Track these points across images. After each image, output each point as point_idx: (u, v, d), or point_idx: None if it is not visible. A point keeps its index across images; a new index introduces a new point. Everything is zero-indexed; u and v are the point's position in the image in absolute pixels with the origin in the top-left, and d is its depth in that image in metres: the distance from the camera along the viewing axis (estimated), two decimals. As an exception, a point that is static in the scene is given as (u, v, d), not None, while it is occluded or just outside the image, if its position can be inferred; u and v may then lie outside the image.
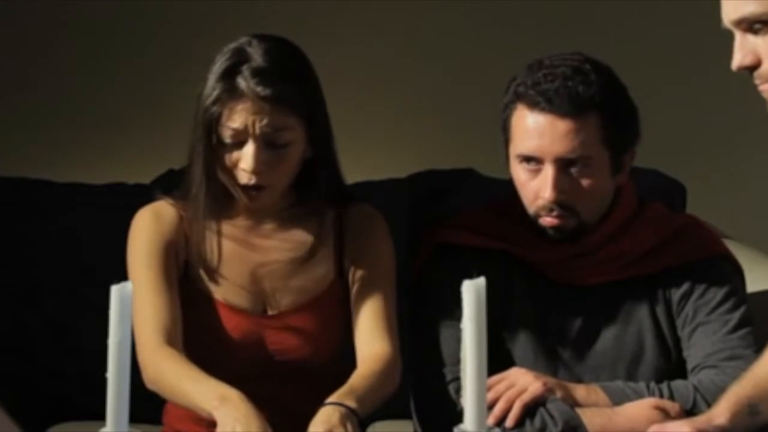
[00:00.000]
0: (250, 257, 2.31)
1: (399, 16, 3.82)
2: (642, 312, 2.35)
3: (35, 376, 2.74)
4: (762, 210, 3.81)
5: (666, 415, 2.18)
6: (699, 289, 2.34)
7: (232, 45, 2.24)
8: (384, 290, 2.30)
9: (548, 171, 2.25)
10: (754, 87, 1.89)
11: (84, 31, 3.79)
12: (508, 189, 2.34)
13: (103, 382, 1.54)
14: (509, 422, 2.17)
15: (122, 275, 2.22)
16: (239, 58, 2.21)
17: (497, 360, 2.15)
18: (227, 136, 2.20)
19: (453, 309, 1.96)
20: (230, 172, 2.23)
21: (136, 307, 2.12)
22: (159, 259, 2.27)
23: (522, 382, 2.20)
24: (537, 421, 2.17)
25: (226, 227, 2.31)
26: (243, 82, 2.18)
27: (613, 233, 2.34)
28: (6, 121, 3.71)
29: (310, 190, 2.30)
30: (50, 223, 2.78)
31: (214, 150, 2.22)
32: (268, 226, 2.32)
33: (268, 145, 2.20)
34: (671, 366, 2.34)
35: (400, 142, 3.79)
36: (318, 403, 2.10)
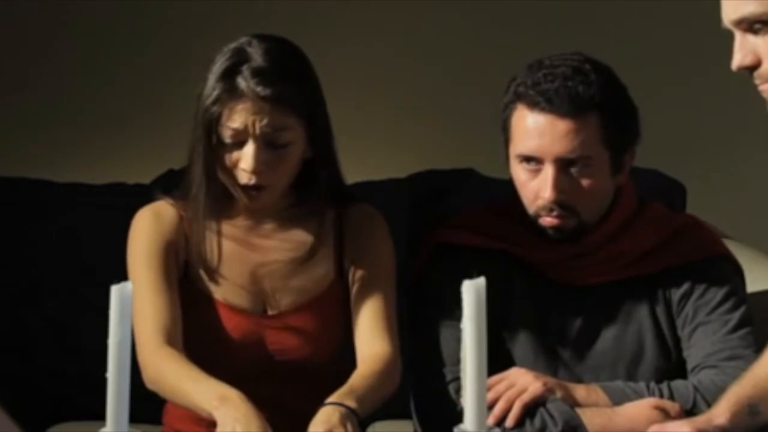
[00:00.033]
0: (250, 257, 2.31)
1: (399, 16, 3.82)
2: (642, 312, 2.35)
3: (35, 376, 2.74)
4: (762, 210, 3.81)
5: (666, 415, 2.18)
6: (699, 289, 2.34)
7: (232, 45, 2.24)
8: (384, 290, 2.30)
9: (548, 171, 2.25)
10: (754, 87, 1.89)
11: (84, 31, 3.79)
12: (508, 189, 2.34)
13: (103, 382, 1.54)
14: (509, 422, 2.17)
15: (122, 275, 2.22)
16: (239, 58, 2.21)
17: (497, 360, 2.15)
18: (227, 136, 2.20)
19: (453, 309, 1.96)
20: (230, 172, 2.23)
21: (136, 307, 2.12)
22: (159, 259, 2.27)
23: (522, 382, 2.20)
24: (537, 421, 2.17)
25: (226, 227, 2.31)
26: (243, 82, 2.18)
27: (613, 233, 2.34)
28: (6, 121, 3.71)
29: (310, 190, 2.30)
30: (50, 223, 2.78)
31: (214, 150, 2.22)
32: (268, 226, 2.32)
33: (268, 145, 2.20)
34: (671, 366, 2.34)
35: (400, 142, 3.79)
36: (318, 403, 2.10)
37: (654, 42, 3.81)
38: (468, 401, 1.57)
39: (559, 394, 2.21)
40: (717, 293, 2.33)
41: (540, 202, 2.28)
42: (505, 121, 2.31)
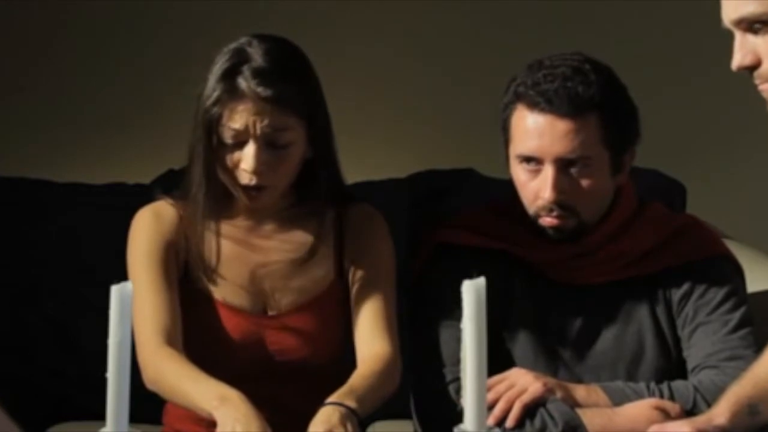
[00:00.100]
0: (250, 257, 2.31)
1: (399, 16, 3.82)
2: (642, 312, 2.35)
3: (35, 376, 2.74)
4: (762, 210, 3.80)
5: (666, 416, 2.18)
6: (699, 289, 2.34)
7: (232, 45, 2.24)
8: (384, 290, 2.30)
9: (548, 171, 2.25)
10: (754, 87, 1.89)
11: (84, 31, 3.79)
12: (508, 189, 2.34)
13: (103, 382, 1.54)
14: (509, 423, 2.17)
15: (122, 275, 2.22)
16: (239, 59, 2.20)
17: (497, 360, 2.15)
18: (228, 136, 2.20)
19: (453, 309, 1.96)
20: (231, 172, 2.23)
21: (136, 307, 2.12)
22: (159, 259, 2.27)
23: (522, 382, 2.20)
24: (537, 421, 2.17)
25: (226, 227, 2.31)
26: (244, 83, 2.18)
27: (613, 233, 2.34)
28: (6, 121, 3.71)
29: (310, 190, 2.30)
30: (50, 223, 2.78)
31: (215, 150, 2.22)
32: (268, 227, 2.32)
33: (269, 145, 2.20)
34: (671, 366, 2.34)
35: (400, 142, 3.79)
36: (318, 403, 2.10)
37: (654, 42, 3.81)
38: (468, 401, 1.57)
39: (559, 394, 2.21)
40: (717, 293, 2.33)
41: (540, 203, 2.28)
42: (505, 122, 2.31)
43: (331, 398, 2.10)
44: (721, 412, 2.07)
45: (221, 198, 2.28)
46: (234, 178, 2.23)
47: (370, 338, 2.26)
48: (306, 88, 2.25)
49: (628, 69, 2.35)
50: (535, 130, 2.25)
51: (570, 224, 2.29)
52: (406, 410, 2.37)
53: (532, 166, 2.27)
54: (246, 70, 2.19)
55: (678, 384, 2.25)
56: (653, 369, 2.33)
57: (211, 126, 2.20)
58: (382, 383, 2.20)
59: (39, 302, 2.75)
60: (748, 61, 1.86)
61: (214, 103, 2.19)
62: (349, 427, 2.06)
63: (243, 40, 2.24)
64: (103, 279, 1.63)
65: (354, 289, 2.31)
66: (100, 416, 1.55)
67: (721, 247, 2.41)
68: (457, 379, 2.22)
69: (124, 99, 3.76)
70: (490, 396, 2.16)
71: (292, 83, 2.21)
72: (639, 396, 2.22)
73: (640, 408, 2.20)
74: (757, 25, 1.84)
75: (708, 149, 3.84)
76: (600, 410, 2.20)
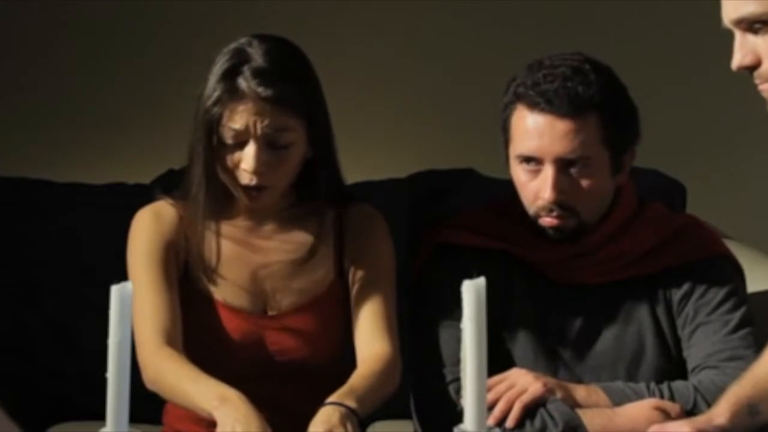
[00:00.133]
0: (250, 258, 2.31)
1: (399, 16, 3.82)
2: (642, 312, 2.35)
3: (35, 376, 2.74)
4: (762, 210, 3.80)
5: (666, 416, 2.18)
6: (699, 289, 2.34)
7: (233, 45, 2.24)
8: (384, 290, 2.30)
9: (548, 171, 2.25)
10: (754, 87, 1.89)
11: (84, 31, 3.79)
12: (508, 189, 2.34)
13: (103, 382, 1.54)
14: (509, 423, 2.17)
15: (122, 275, 2.22)
16: (240, 59, 2.20)
17: (497, 360, 2.15)
18: (228, 137, 2.20)
19: (453, 309, 1.96)
20: (231, 172, 2.23)
21: (136, 307, 2.12)
22: (159, 259, 2.27)
23: (522, 382, 2.20)
24: (537, 421, 2.17)
25: (226, 228, 2.31)
26: (244, 83, 2.18)
27: (613, 233, 2.34)
28: (6, 121, 3.71)
29: (310, 190, 2.30)
30: (50, 223, 2.78)
31: (215, 150, 2.22)
32: (268, 227, 2.32)
33: (269, 145, 2.20)
34: (671, 366, 2.34)
35: (400, 142, 3.79)
36: (318, 403, 2.10)
37: (654, 42, 3.81)
38: (468, 401, 1.57)
39: (559, 394, 2.20)
40: (717, 293, 2.33)
41: (540, 203, 2.28)
42: (504, 122, 2.31)
43: (331, 398, 2.10)
44: (721, 412, 2.07)
45: (221, 198, 2.28)
46: (234, 179, 2.23)
47: (370, 338, 2.26)
48: (306, 88, 2.25)
49: (628, 69, 2.35)
50: (535, 131, 2.25)
51: (570, 224, 2.29)
52: (406, 410, 2.37)
53: (532, 166, 2.27)
54: (246, 70, 2.19)
55: (678, 384, 2.25)
56: (653, 369, 2.33)
57: (212, 126, 2.20)
58: (382, 383, 2.20)
59: (39, 302, 2.75)
60: (748, 61, 1.86)
61: (215, 103, 2.19)
62: (349, 427, 2.06)
63: (243, 40, 2.24)
64: (103, 279, 1.63)
65: (354, 289, 2.31)
66: (100, 416, 1.55)
67: (721, 247, 2.41)
68: (457, 379, 2.22)
69: (124, 99, 3.76)
70: (490, 396, 2.16)
71: (292, 83, 2.21)
72: (639, 396, 2.22)
73: (640, 408, 2.20)
74: (757, 25, 1.84)
75: (708, 149, 3.84)
76: (600, 410, 2.20)
